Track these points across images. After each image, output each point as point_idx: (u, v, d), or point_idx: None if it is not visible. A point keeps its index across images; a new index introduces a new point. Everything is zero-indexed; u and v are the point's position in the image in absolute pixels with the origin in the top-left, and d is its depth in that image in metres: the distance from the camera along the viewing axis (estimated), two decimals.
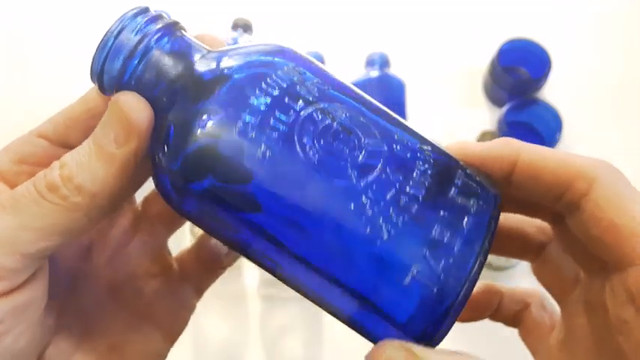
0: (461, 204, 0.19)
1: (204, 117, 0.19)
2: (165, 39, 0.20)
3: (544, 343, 0.24)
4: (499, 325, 0.27)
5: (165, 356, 0.26)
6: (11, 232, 0.18)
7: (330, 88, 0.20)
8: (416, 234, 0.18)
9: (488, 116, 0.75)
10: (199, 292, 0.28)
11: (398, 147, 0.20)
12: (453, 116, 0.75)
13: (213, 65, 0.20)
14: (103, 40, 0.20)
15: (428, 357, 0.18)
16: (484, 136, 0.65)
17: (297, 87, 0.19)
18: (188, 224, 0.29)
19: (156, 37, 0.20)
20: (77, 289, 0.24)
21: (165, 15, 0.21)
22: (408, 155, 0.20)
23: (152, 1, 0.21)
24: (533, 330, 0.25)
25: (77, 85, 0.24)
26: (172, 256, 0.28)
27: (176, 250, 0.28)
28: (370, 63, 0.73)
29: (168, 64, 0.20)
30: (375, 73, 0.71)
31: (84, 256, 0.25)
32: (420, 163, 0.19)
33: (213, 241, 0.27)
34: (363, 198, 0.18)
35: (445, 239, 0.18)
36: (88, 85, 0.23)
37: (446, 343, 0.19)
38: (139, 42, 0.19)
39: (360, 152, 0.19)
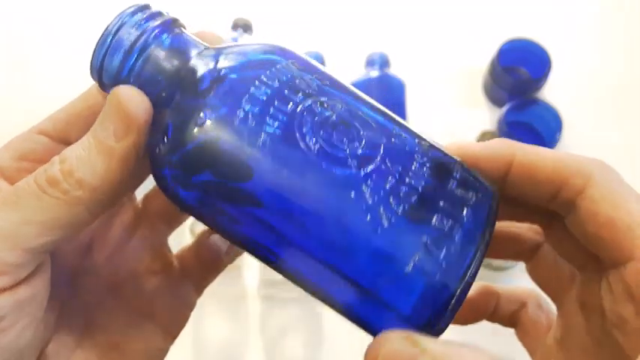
0: (460, 195, 0.19)
1: (204, 110, 0.19)
2: (164, 35, 0.20)
3: (541, 342, 0.24)
4: (496, 326, 0.27)
5: (166, 353, 0.26)
6: (13, 227, 0.18)
7: (328, 85, 0.20)
8: (416, 223, 0.18)
9: (488, 116, 0.75)
10: (199, 290, 0.28)
11: (396, 140, 0.20)
12: (453, 116, 0.75)
13: (212, 61, 0.20)
14: (102, 36, 0.20)
15: (432, 347, 0.17)
16: (484, 136, 0.65)
17: (296, 81, 0.20)
18: (188, 222, 0.29)
19: (154, 33, 0.20)
20: (78, 286, 0.24)
21: (164, 12, 0.21)
22: (407, 148, 0.20)
23: (153, 1, 0.21)
24: (530, 330, 0.25)
25: (77, 85, 0.24)
26: (172, 254, 0.28)
27: (176, 248, 0.28)
28: (370, 63, 0.73)
29: (167, 60, 0.20)
30: (375, 73, 0.71)
31: (84, 253, 0.25)
32: (419, 156, 0.20)
33: (213, 239, 0.27)
34: (363, 187, 0.18)
35: (446, 228, 0.18)
36: (87, 85, 0.23)
37: None
38: (138, 38, 0.20)
39: (360, 143, 0.19)
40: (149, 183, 0.27)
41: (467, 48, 0.78)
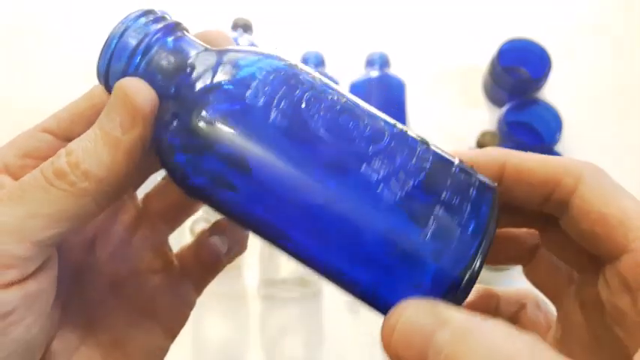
0: (464, 179, 0.20)
1: (209, 98, 0.20)
2: (167, 38, 0.21)
3: None
4: None
5: (167, 352, 0.26)
6: (20, 220, 0.19)
7: (329, 83, 0.21)
8: (428, 195, 0.19)
9: (488, 116, 0.75)
10: (199, 289, 0.28)
11: (399, 130, 0.20)
12: (453, 116, 0.75)
13: (214, 58, 0.21)
14: (107, 40, 0.20)
15: (453, 319, 0.17)
16: (484, 136, 0.65)
17: (300, 76, 0.21)
18: (188, 222, 0.29)
19: (157, 35, 0.21)
20: (80, 284, 0.24)
21: (167, 16, 0.22)
22: (409, 140, 0.20)
23: (153, 1, 0.22)
24: (529, 330, 0.25)
25: (77, 85, 0.24)
26: (173, 253, 0.28)
27: (176, 247, 0.28)
28: (370, 63, 0.73)
29: (169, 61, 0.21)
30: (375, 73, 0.71)
31: (87, 251, 0.25)
32: (421, 151, 0.20)
33: (212, 239, 0.27)
34: (374, 161, 0.19)
35: (456, 202, 0.19)
36: (86, 83, 0.23)
37: None
38: (141, 40, 0.20)
39: (366, 128, 0.20)
40: (150, 183, 0.27)
41: (467, 48, 0.78)
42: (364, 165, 0.19)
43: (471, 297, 0.19)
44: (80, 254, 0.25)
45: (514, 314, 0.26)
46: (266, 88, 0.20)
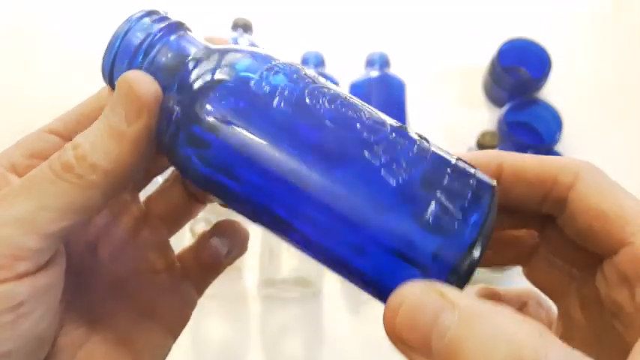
0: (464, 168, 0.20)
1: (212, 90, 0.20)
2: (169, 36, 0.21)
3: None
4: None
5: (169, 351, 0.26)
6: (30, 213, 0.19)
7: (328, 82, 0.22)
8: (429, 180, 0.19)
9: (488, 116, 0.75)
10: (200, 290, 0.28)
11: (399, 125, 0.21)
12: (453, 116, 0.75)
13: (216, 57, 0.21)
14: (111, 40, 0.21)
15: (460, 302, 0.16)
16: (484, 136, 0.65)
17: (302, 72, 0.21)
18: (188, 223, 0.29)
19: (160, 34, 0.21)
20: (83, 284, 0.24)
21: (170, 16, 0.22)
22: (409, 133, 0.21)
23: (153, 1, 0.22)
24: None
25: (77, 85, 0.24)
26: (174, 254, 0.28)
27: (177, 248, 0.28)
28: (370, 63, 0.73)
29: (171, 58, 0.21)
30: (375, 73, 0.71)
31: (90, 252, 0.25)
32: (420, 141, 0.20)
33: (213, 241, 0.27)
34: (376, 149, 0.19)
35: (457, 188, 0.19)
36: (87, 85, 0.23)
37: None
38: (144, 39, 0.21)
39: (367, 119, 0.20)
40: (152, 186, 0.27)
41: (467, 48, 0.78)
42: (366, 151, 0.19)
43: (473, 296, 0.19)
44: (83, 255, 0.25)
45: None
46: (269, 82, 0.20)
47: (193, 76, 0.21)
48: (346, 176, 0.19)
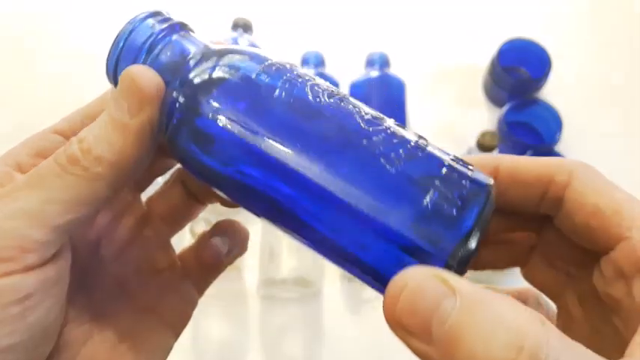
0: (462, 163, 0.20)
1: (214, 85, 0.20)
2: (172, 36, 0.22)
3: None
4: None
5: (170, 350, 0.26)
6: (37, 206, 0.19)
7: (327, 82, 0.22)
8: (426, 168, 0.19)
9: (488, 116, 0.75)
10: (201, 290, 0.28)
11: (396, 122, 0.21)
12: (452, 116, 0.75)
13: (217, 56, 0.22)
14: (115, 40, 0.22)
15: (462, 288, 0.16)
16: (484, 136, 0.65)
17: (301, 70, 0.22)
18: (188, 225, 0.30)
19: (162, 34, 0.22)
20: (87, 281, 0.25)
21: (172, 17, 0.23)
22: (406, 129, 0.21)
23: (153, 1, 0.22)
24: None
25: (77, 85, 0.24)
26: (175, 253, 0.28)
27: (177, 248, 0.29)
28: (370, 63, 0.73)
29: (173, 56, 0.22)
30: (375, 73, 0.71)
31: (93, 250, 0.25)
32: (418, 136, 0.21)
33: (213, 240, 0.27)
34: (375, 138, 0.20)
35: (455, 177, 0.19)
36: (86, 85, 0.23)
37: None
38: (147, 39, 0.22)
39: (366, 114, 0.21)
40: (153, 186, 0.28)
41: (467, 48, 0.78)
42: (365, 140, 0.19)
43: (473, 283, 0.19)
44: (86, 254, 0.25)
45: None
46: (270, 76, 0.21)
47: (194, 72, 0.21)
48: (346, 164, 0.19)
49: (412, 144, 0.20)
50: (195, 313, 0.28)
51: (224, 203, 0.26)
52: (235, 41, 0.72)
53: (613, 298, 0.20)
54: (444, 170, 0.19)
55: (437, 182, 0.19)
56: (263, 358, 0.62)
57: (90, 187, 0.20)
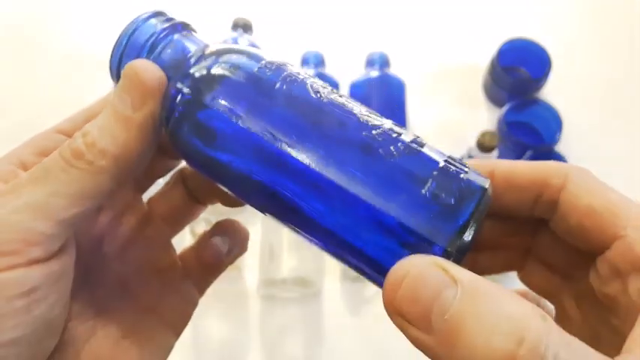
0: (459, 160, 0.20)
1: (214, 83, 0.21)
2: (173, 35, 0.23)
3: None
4: None
5: (171, 349, 0.27)
6: (42, 200, 0.19)
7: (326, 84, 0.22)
8: (425, 160, 0.20)
9: (488, 116, 0.75)
10: (202, 289, 0.28)
11: (393, 122, 0.21)
12: (452, 116, 0.75)
13: (216, 54, 0.22)
14: (118, 39, 0.22)
15: (463, 278, 0.16)
16: (484, 136, 0.65)
17: (300, 69, 0.22)
18: (188, 225, 0.30)
19: (165, 33, 0.22)
20: (90, 279, 0.25)
21: (174, 18, 0.23)
22: (404, 127, 0.21)
23: (154, 2, 0.22)
24: None
25: (77, 85, 0.24)
26: (176, 253, 0.28)
27: (177, 248, 0.29)
28: (370, 63, 0.73)
29: (174, 54, 0.22)
30: (375, 73, 0.71)
31: (96, 249, 0.26)
32: (414, 135, 0.21)
33: (214, 240, 0.27)
34: (374, 132, 0.20)
35: (452, 171, 0.19)
36: (87, 85, 0.23)
37: None
38: (149, 38, 0.22)
39: (362, 110, 0.21)
40: (154, 187, 0.28)
41: (467, 48, 0.78)
42: (365, 132, 0.20)
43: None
44: (89, 252, 0.25)
45: None
46: (271, 70, 0.21)
47: (196, 67, 0.21)
48: (346, 155, 0.20)
49: (410, 140, 0.20)
50: (196, 313, 0.28)
51: (225, 203, 0.26)
52: (235, 41, 0.72)
53: (610, 297, 0.20)
54: (442, 163, 0.20)
55: (435, 173, 0.19)
56: (263, 358, 0.62)
57: (94, 180, 0.20)
